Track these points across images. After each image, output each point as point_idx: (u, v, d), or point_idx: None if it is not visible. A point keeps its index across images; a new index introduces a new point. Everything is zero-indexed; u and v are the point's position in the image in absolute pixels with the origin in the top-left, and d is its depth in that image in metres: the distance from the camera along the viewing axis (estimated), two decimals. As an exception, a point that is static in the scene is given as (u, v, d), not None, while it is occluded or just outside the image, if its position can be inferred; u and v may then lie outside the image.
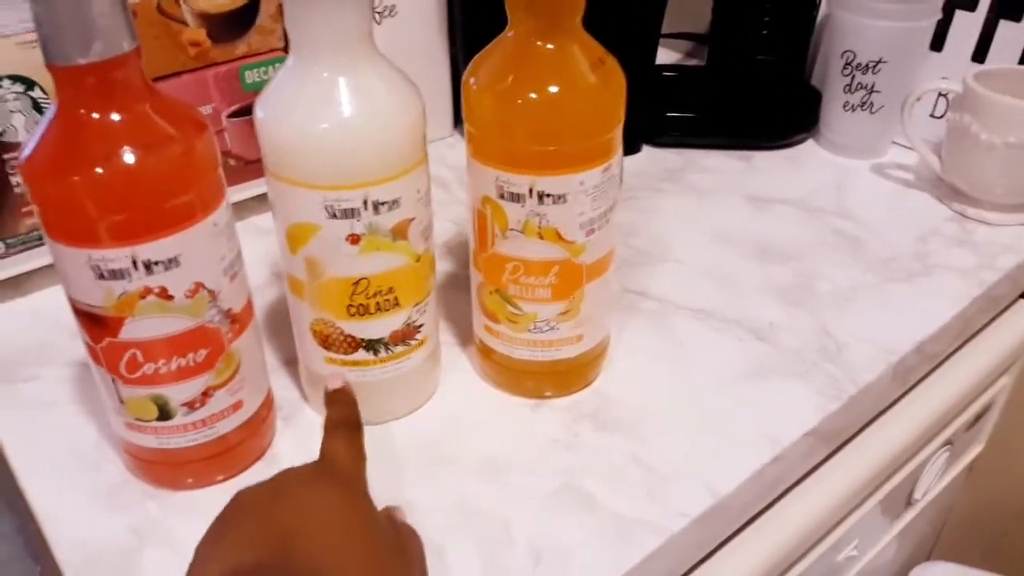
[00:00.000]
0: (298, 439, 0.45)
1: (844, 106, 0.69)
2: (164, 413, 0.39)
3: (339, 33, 0.37)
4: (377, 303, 0.41)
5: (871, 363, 0.50)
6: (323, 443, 0.36)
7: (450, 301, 0.54)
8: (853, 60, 0.66)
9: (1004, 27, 0.65)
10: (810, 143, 0.74)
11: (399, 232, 0.40)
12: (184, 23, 0.57)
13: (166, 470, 0.42)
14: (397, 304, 0.42)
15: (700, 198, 0.67)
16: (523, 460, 0.44)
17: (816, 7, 0.70)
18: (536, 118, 0.39)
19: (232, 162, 0.62)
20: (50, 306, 0.53)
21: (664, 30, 0.77)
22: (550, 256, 0.42)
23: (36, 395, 0.48)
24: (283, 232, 0.41)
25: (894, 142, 0.72)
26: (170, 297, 0.36)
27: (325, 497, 0.31)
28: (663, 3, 0.69)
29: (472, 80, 0.41)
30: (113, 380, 0.38)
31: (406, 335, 0.43)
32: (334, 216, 0.38)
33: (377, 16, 0.65)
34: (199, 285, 0.37)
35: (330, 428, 0.37)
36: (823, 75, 0.71)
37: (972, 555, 0.86)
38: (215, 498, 0.41)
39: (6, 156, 0.53)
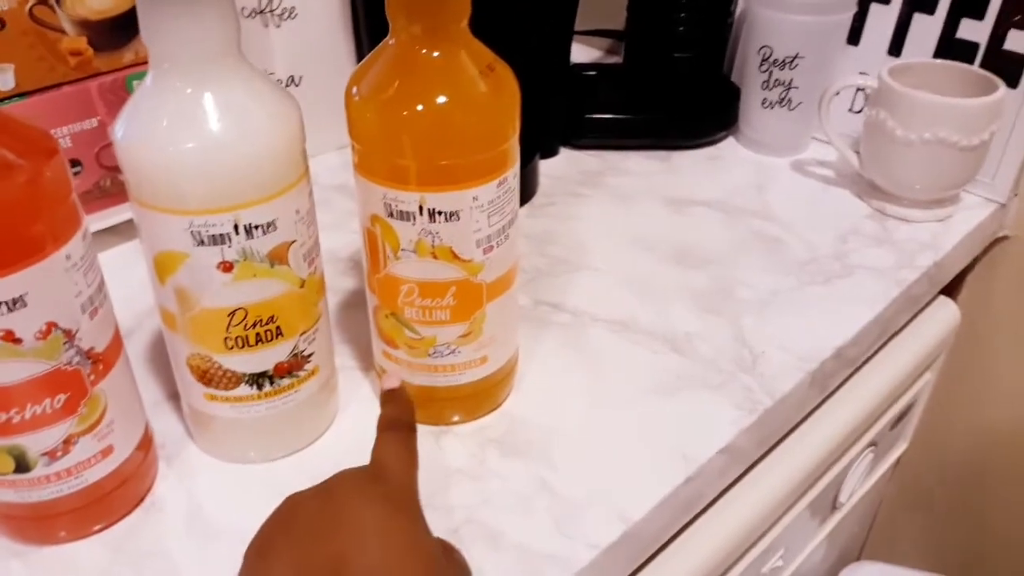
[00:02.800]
0: (182, 481, 0.42)
1: (763, 103, 0.67)
2: (22, 465, 0.36)
3: (201, 45, 0.34)
4: (257, 334, 0.38)
5: (788, 372, 0.48)
6: (375, 446, 0.35)
7: (353, 321, 0.51)
8: (770, 56, 0.65)
9: (918, 20, 0.64)
10: (731, 141, 0.72)
11: (277, 257, 0.37)
12: (62, 31, 0.53)
13: (31, 525, 0.39)
14: (280, 334, 0.39)
15: (619, 202, 0.65)
16: (425, 494, 0.41)
17: (733, 3, 0.69)
18: (423, 131, 0.36)
19: (123, 178, 0.58)
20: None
21: (581, 27, 0.75)
22: (446, 276, 0.39)
23: None
24: (150, 261, 0.37)
25: (815, 138, 0.71)
26: (18, 340, 0.33)
27: (376, 515, 0.30)
28: (574, 2, 0.67)
29: (354, 91, 0.38)
30: (-41, 433, 0.35)
31: (293, 366, 0.40)
32: (202, 243, 0.35)
33: (276, 19, 0.61)
34: (52, 325, 0.34)
35: (383, 430, 0.36)
36: (741, 72, 0.69)
37: (903, 550, 0.86)
38: (93, 550, 0.39)
39: None
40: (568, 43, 0.70)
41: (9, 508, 0.38)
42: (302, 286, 0.39)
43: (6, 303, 0.32)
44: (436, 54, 0.36)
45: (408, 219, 0.38)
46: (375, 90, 0.37)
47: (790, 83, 0.65)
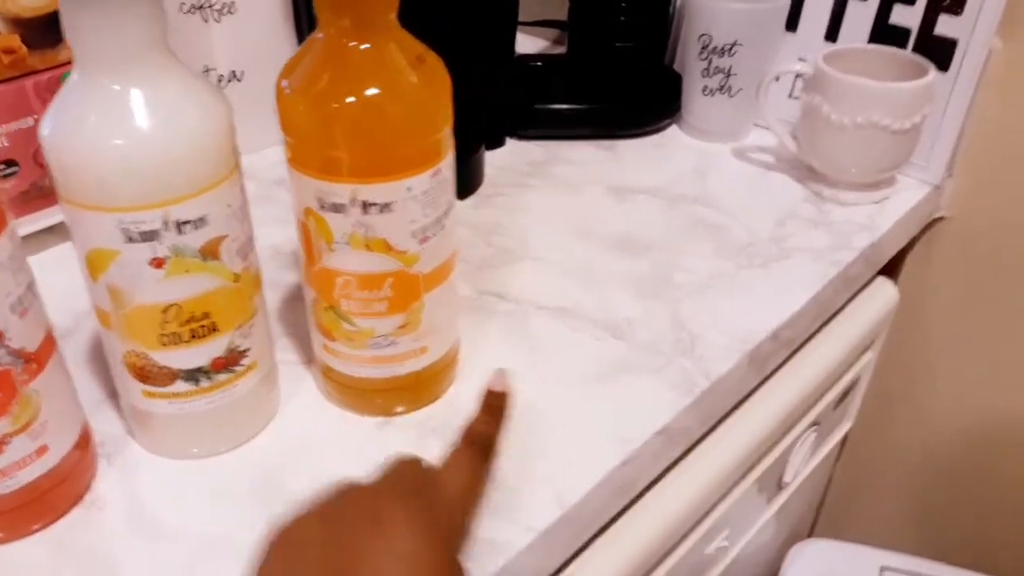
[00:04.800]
0: (123, 479, 0.42)
1: (703, 91, 0.68)
2: (-47, 466, 0.36)
3: (125, 42, 0.33)
4: (192, 330, 0.38)
5: (725, 354, 0.49)
6: (450, 457, 0.32)
7: (295, 315, 0.51)
8: (710, 44, 0.66)
9: (853, 6, 0.65)
10: (674, 129, 0.73)
11: (209, 252, 0.37)
12: (-11, 28, 0.52)
13: (-32, 526, 0.38)
14: (215, 329, 0.39)
15: (564, 191, 0.65)
16: (367, 484, 0.41)
17: (669, -10, 0.70)
18: (353, 122, 0.36)
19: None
20: None
21: (525, 18, 0.75)
22: (382, 268, 0.40)
23: None
24: (82, 259, 0.37)
25: (756, 124, 0.72)
26: (-58, 342, 0.33)
27: (410, 544, 0.27)
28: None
29: (284, 84, 0.38)
30: None
31: (229, 361, 0.40)
32: (132, 239, 0.35)
33: (216, 14, 0.61)
34: (-22, 326, 0.33)
35: (466, 442, 0.33)
36: (683, 60, 0.70)
37: (853, 528, 0.88)
38: (32, 550, 0.38)
39: None
40: (512, 33, 0.71)
41: (-57, 510, 0.37)
42: (236, 280, 0.39)
43: (-70, 304, 0.32)
44: (365, 46, 0.36)
45: (341, 211, 0.38)
46: (305, 83, 0.37)
47: (729, 70, 0.66)
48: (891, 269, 0.69)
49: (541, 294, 0.54)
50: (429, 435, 0.44)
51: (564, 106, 0.71)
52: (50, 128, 0.35)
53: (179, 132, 0.35)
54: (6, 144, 0.55)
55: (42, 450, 0.38)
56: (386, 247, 0.39)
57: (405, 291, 0.41)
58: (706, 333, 0.51)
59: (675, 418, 0.46)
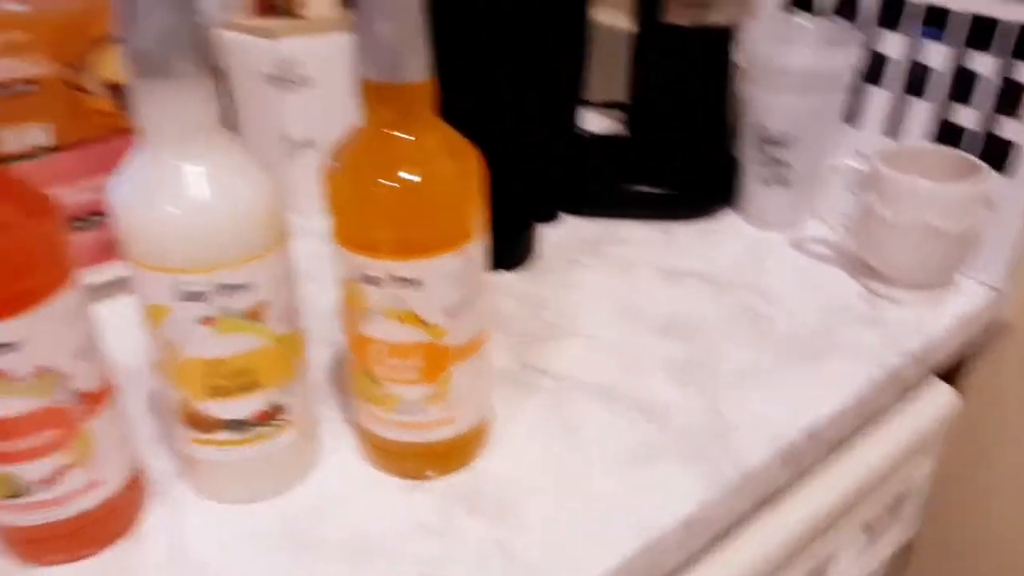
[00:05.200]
0: (169, 515, 0.45)
1: (760, 180, 0.69)
2: (16, 491, 0.39)
3: (183, 122, 0.37)
4: (235, 384, 0.41)
5: (758, 447, 0.50)
6: None
7: (342, 376, 0.54)
8: (765, 135, 0.67)
9: (912, 103, 0.65)
10: (731, 215, 0.74)
11: (253, 315, 0.40)
12: (89, 92, 0.58)
13: (28, 546, 0.42)
14: (257, 385, 0.42)
15: (615, 270, 0.67)
16: (388, 546, 0.43)
17: (729, 80, 0.71)
18: (389, 205, 0.39)
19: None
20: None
21: (591, 98, 0.78)
22: (412, 339, 0.42)
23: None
24: (142, 312, 0.41)
25: (813, 215, 0.72)
26: (12, 379, 0.36)
27: None
28: (581, 72, 0.70)
29: (329, 166, 0.41)
30: (-38, 459, 0.38)
31: (270, 415, 0.43)
32: (184, 298, 0.39)
33: (293, 86, 0.66)
34: (44, 368, 0.37)
35: None
36: (741, 148, 0.71)
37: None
38: (82, 573, 0.42)
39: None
40: (575, 112, 0.74)
41: (5, 530, 0.41)
42: (278, 342, 0.42)
43: (3, 345, 0.36)
44: (404, 136, 0.39)
45: (376, 284, 0.41)
46: (348, 166, 0.40)
47: (785, 161, 0.67)
48: (953, 374, 0.68)
49: (582, 371, 0.56)
50: (456, 502, 0.46)
51: (621, 187, 0.73)
52: (115, 193, 0.39)
53: (229, 205, 0.38)
54: (94, 197, 0.60)
55: (95, 483, 0.41)
56: (417, 320, 0.41)
57: (434, 362, 0.43)
58: (741, 424, 0.51)
59: (700, 508, 0.46)
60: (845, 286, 0.65)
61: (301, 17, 0.67)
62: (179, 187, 0.37)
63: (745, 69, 0.69)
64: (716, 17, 0.67)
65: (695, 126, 0.72)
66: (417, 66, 0.38)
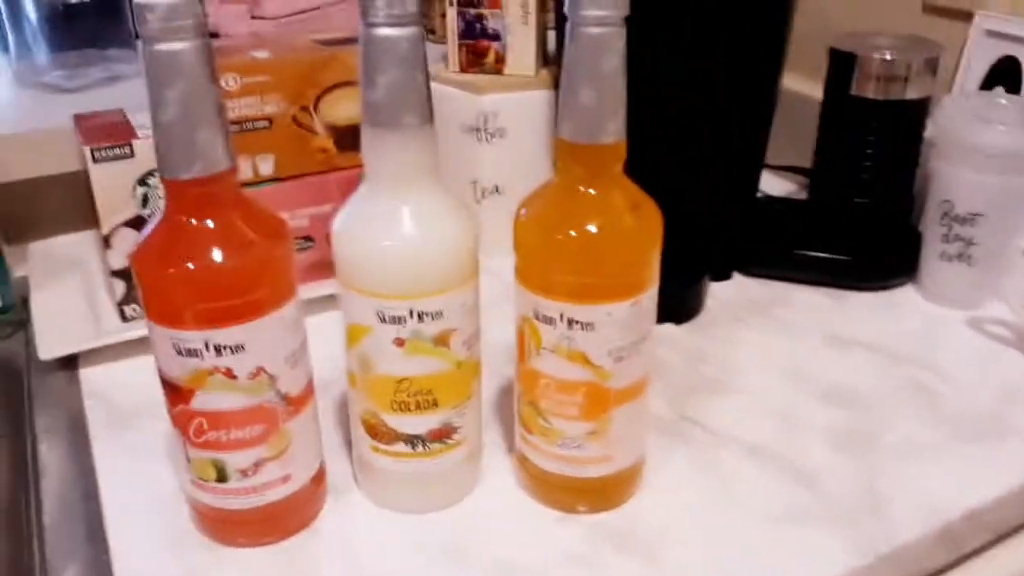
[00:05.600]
0: (342, 516, 0.50)
1: (941, 255, 0.68)
2: (221, 476, 0.45)
3: (403, 169, 0.42)
4: (417, 401, 0.46)
5: (914, 524, 0.49)
6: None
7: (505, 405, 0.58)
8: (951, 211, 0.66)
9: (1122, 191, 0.63)
10: (908, 288, 0.73)
11: (441, 340, 0.44)
12: (315, 132, 0.66)
13: (221, 527, 0.48)
14: (435, 404, 0.46)
15: (781, 333, 0.67)
16: (537, 571, 0.46)
17: (918, 153, 0.71)
18: (569, 253, 0.43)
19: (344, 254, 0.69)
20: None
21: (774, 161, 0.79)
22: (578, 377, 0.45)
23: (135, 443, 0.55)
24: (344, 329, 0.46)
25: (996, 296, 0.70)
26: (234, 377, 0.42)
27: None
28: (766, 135, 0.72)
29: (521, 212, 0.45)
30: (184, 442, 0.45)
31: (443, 434, 0.47)
32: (384, 321, 0.44)
33: (488, 136, 0.72)
34: (260, 369, 0.43)
35: None
36: (924, 222, 0.70)
37: None
38: (261, 557, 0.47)
39: (151, 235, 0.62)
40: (757, 174, 0.75)
41: (207, 509, 0.47)
42: (459, 367, 0.46)
43: (230, 347, 0.42)
44: (591, 191, 0.43)
45: (551, 323, 0.44)
46: (537, 214, 0.44)
47: (970, 239, 0.65)
48: None
49: (737, 427, 0.57)
50: (605, 538, 0.48)
51: (797, 250, 0.73)
52: (339, 224, 0.45)
53: (434, 243, 0.43)
54: (306, 224, 0.68)
55: (286, 478, 0.46)
56: (584, 360, 0.44)
57: (596, 401, 0.46)
58: (897, 498, 0.51)
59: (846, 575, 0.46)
60: (1023, 370, 0.62)
61: (502, 74, 0.73)
62: (394, 224, 0.43)
63: (936, 143, 0.68)
64: (909, 92, 0.67)
65: (878, 195, 0.71)
66: (613, 129, 0.41)
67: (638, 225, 0.43)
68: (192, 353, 0.41)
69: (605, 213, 0.43)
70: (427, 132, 0.42)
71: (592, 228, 0.42)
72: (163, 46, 0.37)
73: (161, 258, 0.41)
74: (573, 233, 0.43)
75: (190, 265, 0.40)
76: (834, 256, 0.72)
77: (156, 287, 0.42)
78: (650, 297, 0.45)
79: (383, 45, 0.39)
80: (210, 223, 0.41)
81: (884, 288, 0.73)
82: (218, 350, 0.41)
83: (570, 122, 0.41)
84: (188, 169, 0.39)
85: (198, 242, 0.41)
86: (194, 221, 0.41)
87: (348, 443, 0.55)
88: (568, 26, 0.40)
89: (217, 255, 0.41)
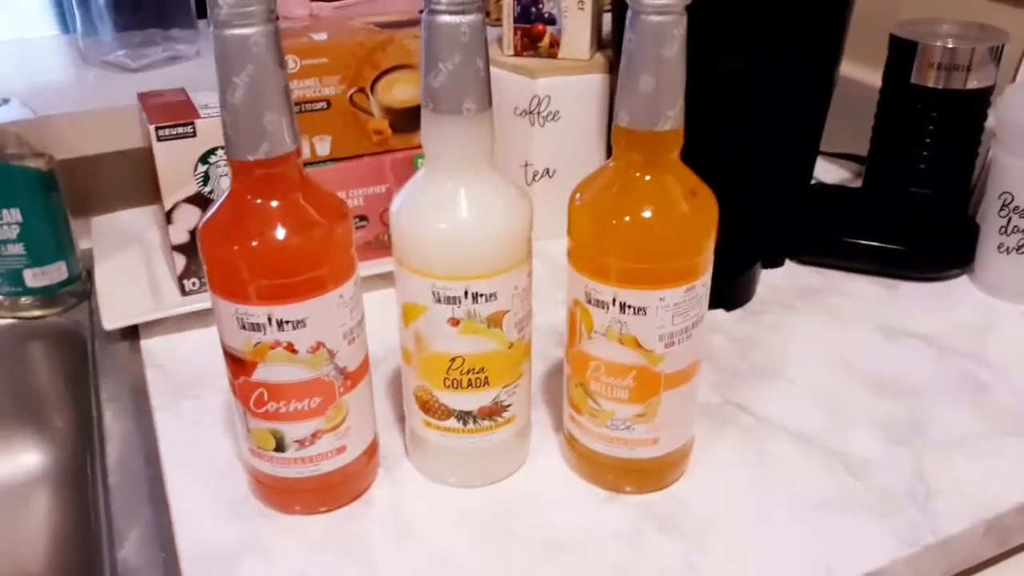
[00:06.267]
0: (393, 488, 0.51)
1: (999, 247, 0.67)
2: (280, 446, 0.47)
3: (461, 153, 0.43)
4: (469, 379, 0.47)
5: (961, 516, 0.49)
6: None
7: (556, 386, 0.59)
8: (1011, 202, 0.65)
9: None
10: (963, 280, 0.72)
11: (494, 321, 0.45)
12: (371, 114, 0.67)
13: (277, 495, 0.49)
14: (487, 383, 0.47)
15: (831, 321, 0.67)
16: (582, 547, 0.47)
17: (979, 143, 0.69)
18: (624, 238, 0.43)
19: (397, 234, 0.70)
20: (226, 338, 0.63)
21: (828, 148, 0.79)
22: (629, 361, 0.46)
23: (195, 411, 0.57)
24: (400, 308, 0.47)
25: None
26: (295, 351, 0.44)
27: None
28: (822, 123, 0.71)
29: (577, 196, 0.46)
30: (244, 412, 0.46)
31: (493, 412, 0.48)
32: (439, 301, 0.45)
33: (541, 119, 0.72)
34: (320, 344, 0.44)
35: None
36: (983, 213, 0.69)
37: None
38: (315, 525, 0.49)
39: (212, 211, 0.64)
40: (811, 162, 0.74)
41: (265, 478, 0.49)
42: (510, 347, 0.47)
43: (292, 322, 0.43)
44: (648, 177, 0.43)
45: (603, 307, 0.45)
46: (593, 199, 0.45)
47: (1029, 232, 0.65)
48: None
49: (784, 414, 0.57)
50: (649, 519, 0.49)
51: (850, 239, 0.72)
52: (398, 205, 0.46)
53: (489, 225, 0.44)
54: (361, 203, 0.69)
55: (341, 449, 0.48)
56: (636, 344, 0.45)
57: (646, 385, 0.46)
58: (945, 490, 0.51)
59: (891, 565, 0.46)
60: (1081, 366, 0.61)
61: (556, 58, 0.73)
62: (452, 206, 0.44)
63: (997, 134, 0.67)
64: (971, 82, 0.66)
65: (935, 185, 0.70)
66: (671, 117, 0.41)
67: (694, 212, 0.43)
68: (255, 327, 0.43)
69: (661, 199, 0.43)
70: (485, 118, 0.43)
71: (647, 214, 0.43)
72: (233, 31, 0.38)
73: (227, 235, 0.42)
74: (628, 219, 0.43)
75: (254, 243, 0.42)
76: (888, 245, 0.72)
77: (221, 263, 0.43)
78: (703, 284, 0.45)
79: (445, 32, 0.40)
80: (274, 203, 0.42)
81: (938, 279, 0.72)
82: (280, 325, 0.43)
83: (628, 109, 0.42)
84: (255, 150, 0.41)
85: (263, 220, 0.42)
86: (259, 200, 0.42)
87: (398, 418, 0.56)
88: (629, 14, 0.40)
89: (281, 233, 0.42)
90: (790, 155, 0.72)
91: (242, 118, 0.40)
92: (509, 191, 0.45)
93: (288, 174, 0.43)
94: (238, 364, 0.45)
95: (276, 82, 0.40)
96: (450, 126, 0.42)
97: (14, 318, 0.70)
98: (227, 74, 0.39)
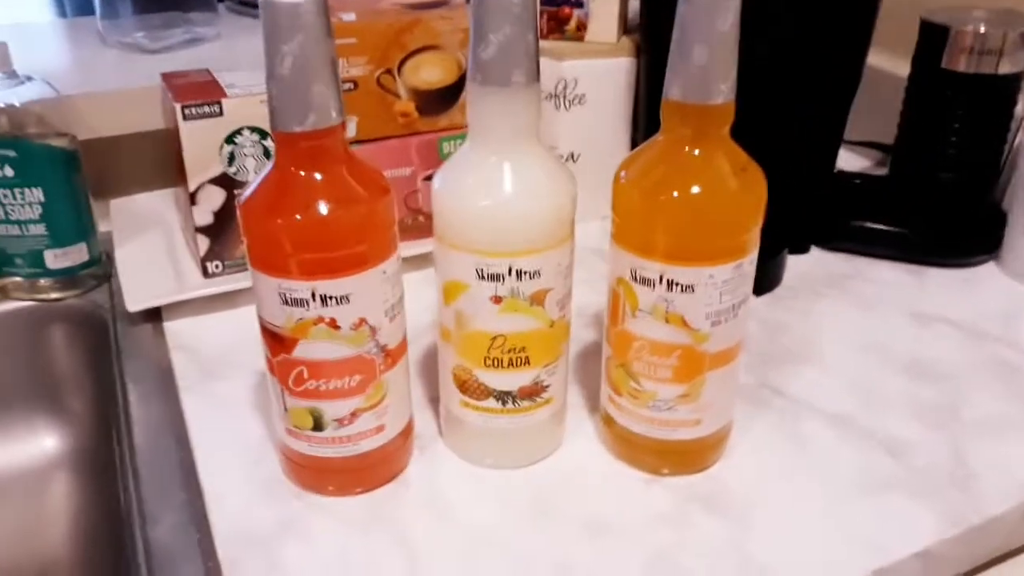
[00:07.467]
0: (428, 468, 0.51)
1: (1028, 233, 0.67)
2: (318, 425, 0.46)
3: (508, 127, 0.43)
4: (510, 358, 0.46)
5: (1004, 496, 0.49)
6: None
7: (587, 368, 0.58)
8: (1041, 188, 0.65)
9: None
10: (991, 266, 0.72)
11: (536, 299, 0.45)
12: (397, 96, 0.66)
13: (313, 475, 0.49)
14: (528, 362, 0.47)
15: (858, 307, 0.67)
16: (626, 527, 0.47)
17: (1008, 129, 0.69)
18: (673, 214, 0.43)
19: (422, 219, 0.70)
20: (252, 321, 0.62)
21: (853, 136, 0.78)
22: (674, 340, 0.45)
23: (225, 392, 0.57)
24: (440, 286, 0.47)
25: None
26: (338, 327, 0.43)
27: None
28: (846, 110, 0.71)
29: (623, 174, 0.45)
30: (282, 390, 0.46)
31: (533, 392, 0.48)
32: (482, 278, 0.44)
33: (567, 103, 0.71)
34: (363, 320, 0.44)
35: None
36: (1010, 199, 0.69)
37: None
38: (351, 506, 0.48)
39: (236, 191, 0.63)
40: (835, 150, 0.74)
41: (300, 458, 0.48)
42: (551, 326, 0.46)
43: (336, 298, 0.42)
44: (697, 152, 0.43)
45: (649, 285, 0.44)
46: (640, 174, 0.44)
47: (1060, 217, 0.64)
48: None
49: (817, 397, 0.57)
50: (693, 500, 0.48)
51: (876, 225, 0.72)
52: (440, 182, 0.45)
53: (533, 201, 0.43)
54: (387, 186, 0.68)
55: (379, 428, 0.47)
56: (682, 322, 0.44)
57: (690, 365, 0.46)
58: (986, 472, 0.50)
59: (936, 545, 0.46)
60: (1113, 352, 0.61)
61: (583, 41, 0.72)
62: (496, 182, 0.43)
63: (1025, 119, 0.67)
64: (1002, 67, 0.65)
65: (962, 171, 0.70)
66: (724, 90, 0.41)
67: (743, 188, 0.43)
68: (298, 303, 0.42)
69: (709, 175, 0.43)
70: (534, 91, 0.42)
71: (697, 189, 0.42)
72: (283, 0, 0.37)
73: (270, 208, 0.42)
74: (677, 194, 0.43)
75: (298, 216, 0.41)
76: (915, 231, 0.71)
77: (264, 236, 0.42)
78: (751, 262, 0.45)
79: (496, 3, 0.39)
80: (319, 176, 0.42)
81: (965, 265, 0.72)
82: (324, 300, 0.42)
83: (680, 82, 0.41)
84: (302, 122, 0.40)
85: (308, 193, 0.41)
86: (303, 173, 0.42)
87: (431, 399, 0.56)
88: (682, -16, 0.40)
89: (325, 207, 0.41)
90: (816, 141, 0.71)
91: (290, 89, 0.39)
92: (554, 167, 0.45)
93: (333, 147, 0.42)
94: (278, 341, 0.44)
95: (325, 53, 0.39)
96: (498, 98, 0.42)
97: (34, 300, 0.69)
98: (276, 44, 0.38)
